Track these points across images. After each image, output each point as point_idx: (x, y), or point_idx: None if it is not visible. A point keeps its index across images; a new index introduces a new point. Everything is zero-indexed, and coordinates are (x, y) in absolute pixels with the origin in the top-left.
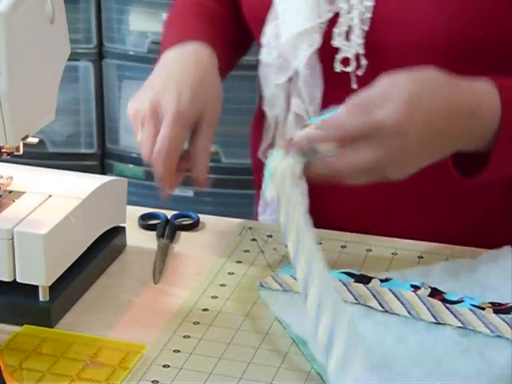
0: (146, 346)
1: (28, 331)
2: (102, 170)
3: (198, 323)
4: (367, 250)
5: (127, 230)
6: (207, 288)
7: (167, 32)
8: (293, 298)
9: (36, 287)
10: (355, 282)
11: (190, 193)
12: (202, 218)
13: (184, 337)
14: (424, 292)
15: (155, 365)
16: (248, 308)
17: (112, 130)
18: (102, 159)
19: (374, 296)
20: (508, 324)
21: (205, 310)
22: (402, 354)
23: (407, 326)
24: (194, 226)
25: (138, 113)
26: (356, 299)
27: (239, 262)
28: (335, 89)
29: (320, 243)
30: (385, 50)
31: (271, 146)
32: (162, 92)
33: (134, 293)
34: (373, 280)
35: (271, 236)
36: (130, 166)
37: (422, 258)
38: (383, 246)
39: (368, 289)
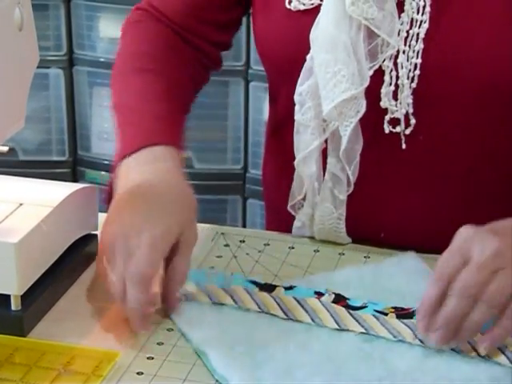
0: (119, 354)
1: (0, 341)
2: (74, 177)
3: (172, 330)
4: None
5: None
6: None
7: (122, 126)
8: (196, 308)
9: (8, 296)
10: (260, 290)
11: None
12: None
13: (157, 343)
14: (328, 298)
15: (129, 372)
16: None
17: (84, 137)
18: (73, 166)
19: (278, 304)
20: (410, 329)
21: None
22: (305, 362)
23: (311, 333)
24: None
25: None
26: (260, 308)
27: (212, 267)
28: (380, 149)
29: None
30: (434, 107)
31: (303, 199)
32: (136, 225)
33: (106, 300)
34: (277, 288)
35: (244, 241)
36: (103, 172)
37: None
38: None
39: (272, 297)
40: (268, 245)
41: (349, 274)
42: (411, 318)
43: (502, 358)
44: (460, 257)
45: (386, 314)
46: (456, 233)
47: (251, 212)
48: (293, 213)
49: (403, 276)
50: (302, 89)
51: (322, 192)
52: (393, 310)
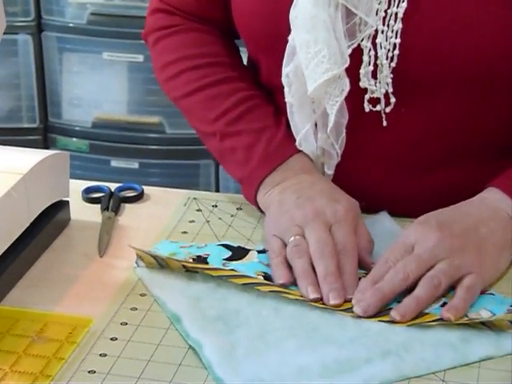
0: (93, 320)
1: None
2: (46, 144)
3: (145, 295)
4: None
5: (71, 204)
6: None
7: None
8: (169, 275)
9: None
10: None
11: (135, 165)
12: (147, 189)
13: (131, 309)
14: None
15: (103, 338)
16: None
17: (54, 104)
18: (44, 133)
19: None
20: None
21: None
22: (278, 326)
23: (283, 299)
24: (138, 198)
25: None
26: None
27: (185, 232)
28: (364, 127)
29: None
30: (414, 86)
31: None
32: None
33: (79, 267)
34: (250, 252)
35: (216, 206)
36: (74, 139)
37: None
38: None
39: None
40: (240, 209)
41: None
42: None
43: (473, 317)
44: (404, 249)
45: (359, 278)
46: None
47: (224, 177)
48: None
49: (377, 236)
50: (287, 70)
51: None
52: (364, 275)
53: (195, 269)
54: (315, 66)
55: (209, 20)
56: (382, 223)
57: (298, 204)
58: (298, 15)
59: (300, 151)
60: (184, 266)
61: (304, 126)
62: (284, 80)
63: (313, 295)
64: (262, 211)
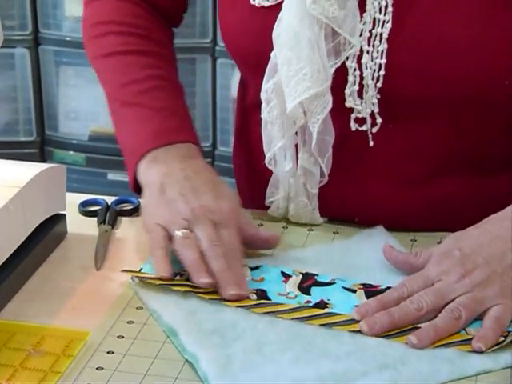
0: (89, 333)
1: None
2: (42, 157)
3: (142, 308)
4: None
5: (68, 217)
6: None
7: (134, 120)
8: (165, 288)
9: None
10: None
11: None
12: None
13: (128, 322)
14: (295, 280)
15: (99, 351)
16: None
17: (51, 117)
18: (41, 146)
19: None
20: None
21: None
22: (274, 339)
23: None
24: (135, 211)
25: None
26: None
27: None
28: (351, 146)
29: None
30: (400, 106)
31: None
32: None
33: (76, 280)
34: (243, 268)
35: None
36: (71, 152)
37: (415, 240)
38: None
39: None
40: None
41: (318, 249)
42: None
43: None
44: (423, 281)
45: (355, 291)
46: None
47: None
48: (273, 213)
49: (372, 251)
50: (267, 86)
51: (295, 187)
52: (361, 287)
53: (189, 291)
54: (296, 83)
55: (154, 5)
56: (379, 237)
57: (182, 195)
58: (282, 33)
59: (193, 141)
60: (175, 287)
61: (276, 144)
62: (263, 96)
63: (206, 280)
64: (136, 190)
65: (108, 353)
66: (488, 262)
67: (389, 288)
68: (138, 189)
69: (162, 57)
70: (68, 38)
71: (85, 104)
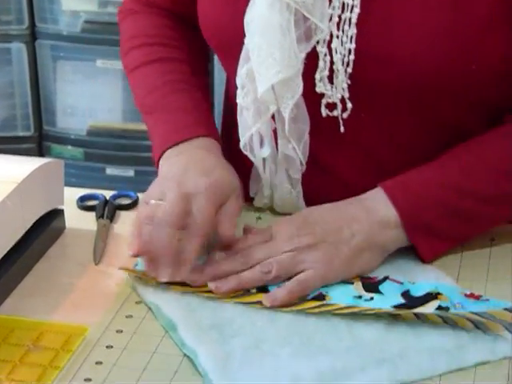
0: (88, 328)
1: None
2: (40, 152)
3: (140, 302)
4: None
5: (66, 212)
6: None
7: (155, 121)
8: (163, 284)
9: None
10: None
11: (130, 172)
12: (142, 197)
13: (126, 317)
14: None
15: (98, 346)
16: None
17: (49, 112)
18: (39, 141)
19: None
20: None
21: None
22: (273, 335)
23: (277, 308)
24: (133, 205)
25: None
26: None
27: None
28: (323, 132)
29: None
30: (371, 91)
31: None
32: (188, 176)
33: (74, 275)
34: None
35: None
36: (69, 147)
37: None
38: None
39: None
40: None
41: None
42: (377, 287)
43: (468, 324)
44: (262, 236)
45: (352, 283)
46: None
47: None
48: (252, 195)
49: None
50: (242, 72)
51: (278, 173)
52: (358, 278)
53: (185, 290)
54: (266, 69)
55: (182, 16)
56: None
57: (173, 174)
58: (254, 19)
59: (209, 135)
60: (174, 285)
61: (250, 129)
62: (238, 81)
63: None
64: None
65: (107, 347)
66: (323, 232)
67: (386, 278)
68: None
69: (183, 61)
70: (65, 33)
71: (83, 99)
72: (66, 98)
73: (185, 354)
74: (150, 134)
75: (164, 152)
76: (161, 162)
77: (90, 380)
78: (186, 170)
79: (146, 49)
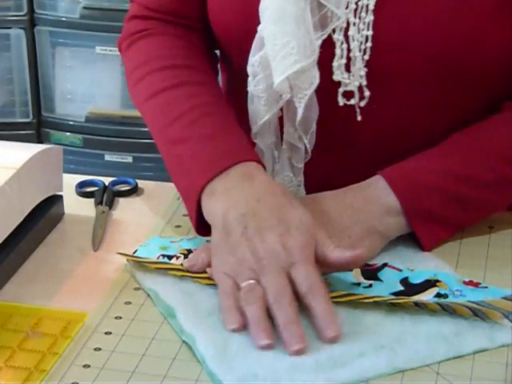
0: (87, 314)
1: None
2: (39, 138)
3: (139, 289)
4: None
5: (65, 198)
6: None
7: (191, 152)
8: (160, 270)
9: None
10: None
11: (129, 159)
12: (141, 183)
13: (125, 303)
14: None
15: (97, 332)
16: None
17: (47, 98)
18: (38, 128)
19: None
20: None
21: None
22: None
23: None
24: (132, 191)
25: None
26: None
27: (178, 226)
28: (337, 121)
29: None
30: (388, 78)
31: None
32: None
33: (73, 261)
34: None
35: None
36: (68, 133)
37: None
38: None
39: None
40: None
41: None
42: (376, 274)
43: (467, 312)
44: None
45: (351, 270)
46: None
47: None
48: None
49: None
50: (254, 60)
51: (280, 161)
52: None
53: (183, 275)
54: (282, 57)
55: (186, 18)
56: None
57: (247, 239)
58: (268, 6)
59: (248, 158)
60: (171, 270)
61: (262, 118)
62: (249, 69)
63: (265, 341)
64: (201, 231)
65: (106, 333)
66: (323, 221)
67: (385, 265)
68: (203, 229)
69: (202, 82)
70: (64, 19)
71: (81, 85)
72: (64, 84)
73: (183, 341)
74: (177, 166)
75: (205, 186)
76: (204, 200)
77: (88, 366)
78: (258, 230)
79: (162, 74)
